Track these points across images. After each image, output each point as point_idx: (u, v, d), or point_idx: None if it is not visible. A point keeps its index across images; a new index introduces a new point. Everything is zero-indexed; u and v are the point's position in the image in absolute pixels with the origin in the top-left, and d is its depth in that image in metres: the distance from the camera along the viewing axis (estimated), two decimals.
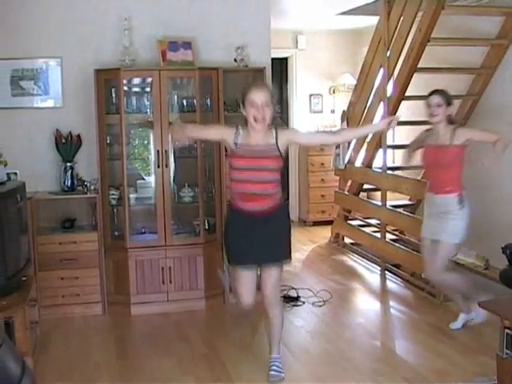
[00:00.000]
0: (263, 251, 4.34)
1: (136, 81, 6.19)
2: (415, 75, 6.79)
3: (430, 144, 5.29)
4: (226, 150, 4.52)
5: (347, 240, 8.55)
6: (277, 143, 4.30)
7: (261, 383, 4.45)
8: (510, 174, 6.51)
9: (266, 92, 4.23)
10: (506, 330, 3.80)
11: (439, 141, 5.20)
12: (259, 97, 4.18)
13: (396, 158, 9.04)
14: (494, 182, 6.75)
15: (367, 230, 8.03)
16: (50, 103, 6.17)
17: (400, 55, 6.93)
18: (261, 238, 4.33)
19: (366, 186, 8.29)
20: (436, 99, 5.18)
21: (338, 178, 8.68)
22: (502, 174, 6.61)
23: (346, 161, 8.24)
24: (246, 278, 4.43)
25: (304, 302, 6.19)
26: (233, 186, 4.38)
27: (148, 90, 6.06)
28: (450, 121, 5.25)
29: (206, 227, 6.13)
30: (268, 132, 4.29)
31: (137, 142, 6.15)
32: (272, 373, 4.49)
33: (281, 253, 4.43)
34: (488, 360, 4.41)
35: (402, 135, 8.71)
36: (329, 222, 9.24)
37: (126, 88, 6.00)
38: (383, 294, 6.71)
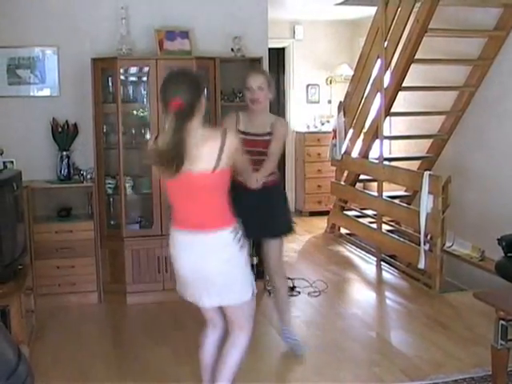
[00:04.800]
0: None
1: (133, 70, 6.18)
2: (412, 66, 6.79)
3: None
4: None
5: (343, 230, 8.56)
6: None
7: (256, 372, 4.46)
8: (506, 166, 6.52)
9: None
10: (501, 321, 3.81)
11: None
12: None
13: (393, 148, 9.04)
14: (490, 174, 6.76)
15: (363, 220, 8.04)
16: (46, 92, 6.15)
17: (397, 46, 6.92)
18: None
19: (362, 177, 8.29)
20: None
21: (334, 168, 8.68)
22: (499, 165, 6.63)
23: (342, 151, 8.24)
24: None
25: (300, 292, 6.20)
26: None
27: (145, 79, 6.04)
28: None
29: None
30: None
31: (133, 131, 6.13)
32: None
33: None
34: (483, 351, 4.41)
35: (400, 126, 8.73)
36: (325, 213, 9.25)
37: (122, 77, 5.99)
38: (379, 285, 6.72)
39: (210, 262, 3.40)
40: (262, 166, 4.40)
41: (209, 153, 3.25)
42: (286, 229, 4.82)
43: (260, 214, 4.57)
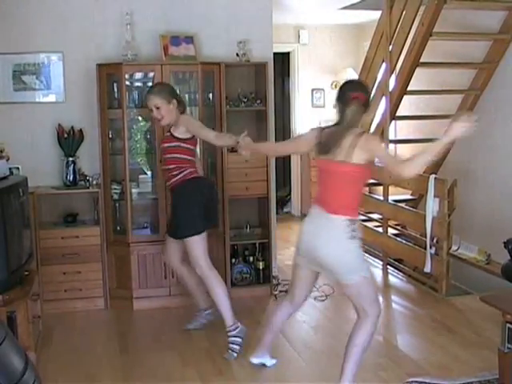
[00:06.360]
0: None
1: (138, 75, 6.19)
2: (417, 70, 6.79)
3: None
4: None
5: None
6: None
7: (263, 376, 4.47)
8: (511, 169, 6.51)
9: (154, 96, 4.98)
10: (508, 325, 3.80)
11: None
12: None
13: (398, 152, 9.02)
14: (496, 177, 6.75)
15: (369, 224, 8.02)
16: (51, 98, 6.17)
17: (402, 50, 6.93)
18: None
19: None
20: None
21: None
22: (505, 168, 6.62)
23: None
24: None
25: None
26: None
27: (150, 84, 6.05)
28: None
29: None
30: None
31: (139, 137, 6.15)
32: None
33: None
34: (490, 354, 4.41)
35: (404, 130, 8.73)
36: None
37: (128, 83, 6.00)
38: (385, 289, 6.70)
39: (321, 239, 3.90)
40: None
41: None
42: (179, 233, 5.03)
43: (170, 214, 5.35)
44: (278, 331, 4.47)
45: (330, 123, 4.04)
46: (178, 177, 4.98)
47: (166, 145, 5.03)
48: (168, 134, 5.06)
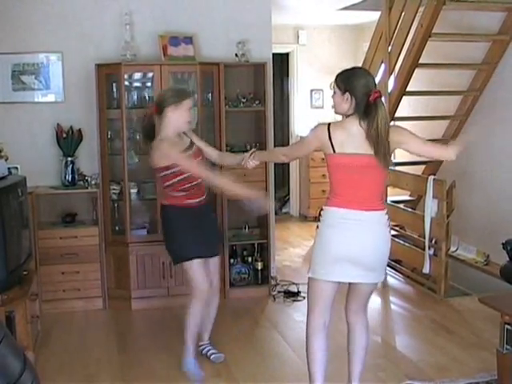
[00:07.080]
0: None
1: (137, 75, 6.19)
2: (417, 71, 6.79)
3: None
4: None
5: None
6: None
7: (261, 377, 4.46)
8: (510, 170, 6.51)
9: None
10: (506, 326, 3.80)
11: None
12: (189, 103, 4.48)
13: (397, 153, 9.03)
14: (494, 178, 6.75)
15: None
16: (51, 98, 6.16)
17: (401, 51, 6.92)
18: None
19: None
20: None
21: None
22: (503, 169, 6.62)
23: None
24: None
25: (304, 297, 6.18)
26: None
27: (149, 84, 6.06)
28: None
29: None
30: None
31: (138, 137, 6.14)
32: (213, 356, 4.73)
33: None
34: (488, 355, 4.41)
35: None
36: None
37: (127, 83, 6.00)
38: (384, 290, 6.69)
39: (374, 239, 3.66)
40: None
41: None
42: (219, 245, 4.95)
43: (205, 231, 4.54)
44: (325, 362, 3.83)
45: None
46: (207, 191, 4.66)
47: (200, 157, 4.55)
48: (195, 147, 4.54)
